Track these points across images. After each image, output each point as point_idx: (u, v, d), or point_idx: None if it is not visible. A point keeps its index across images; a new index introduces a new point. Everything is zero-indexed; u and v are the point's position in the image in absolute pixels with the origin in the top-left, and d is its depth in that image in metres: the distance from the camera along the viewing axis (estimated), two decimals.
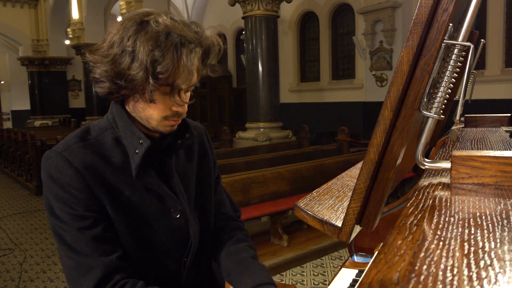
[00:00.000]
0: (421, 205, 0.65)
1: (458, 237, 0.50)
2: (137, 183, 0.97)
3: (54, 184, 0.91)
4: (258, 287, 1.00)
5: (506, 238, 0.49)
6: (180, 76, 0.89)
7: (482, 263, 0.42)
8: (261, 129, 6.20)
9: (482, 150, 1.10)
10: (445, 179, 0.81)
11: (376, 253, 1.17)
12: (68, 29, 12.53)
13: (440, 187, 0.76)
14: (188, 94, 0.97)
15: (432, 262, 0.43)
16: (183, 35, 0.87)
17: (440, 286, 0.38)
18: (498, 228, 0.52)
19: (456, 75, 0.66)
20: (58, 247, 0.95)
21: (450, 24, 0.59)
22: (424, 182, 0.82)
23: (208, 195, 1.16)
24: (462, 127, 1.85)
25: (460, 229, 0.53)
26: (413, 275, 0.41)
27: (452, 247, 0.47)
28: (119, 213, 0.95)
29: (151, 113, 0.94)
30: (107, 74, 0.89)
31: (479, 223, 0.54)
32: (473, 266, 0.41)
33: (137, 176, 0.95)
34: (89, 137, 0.97)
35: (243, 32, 6.88)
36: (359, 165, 1.21)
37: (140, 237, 0.99)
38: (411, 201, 0.68)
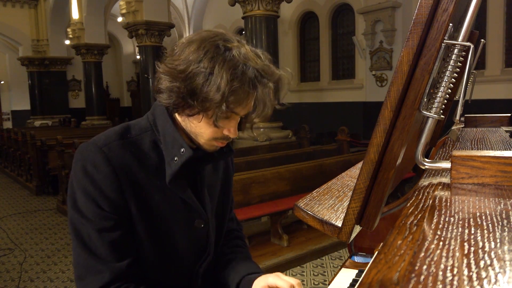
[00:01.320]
0: (421, 205, 0.65)
1: (458, 237, 0.50)
2: (168, 189, 0.96)
3: (86, 178, 0.90)
4: (248, 275, 1.05)
5: (506, 238, 0.49)
6: (251, 108, 0.91)
7: (482, 263, 0.42)
8: (261, 129, 6.20)
9: (482, 150, 1.10)
10: (445, 179, 0.81)
11: (376, 253, 1.17)
12: (68, 29, 12.51)
13: (440, 187, 0.76)
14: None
15: (432, 262, 0.43)
16: (259, 68, 0.88)
17: (440, 286, 0.38)
18: (498, 228, 0.52)
19: (456, 75, 0.66)
20: (73, 241, 0.94)
21: (450, 24, 0.59)
22: (424, 182, 0.82)
23: (226, 207, 1.17)
24: (462, 127, 1.85)
25: (460, 229, 0.53)
26: (413, 275, 0.41)
27: (452, 247, 0.47)
28: (144, 216, 0.95)
29: (204, 131, 0.93)
30: (179, 90, 0.88)
31: (479, 223, 0.54)
32: (473, 266, 0.41)
33: (170, 183, 0.94)
34: (129, 136, 0.96)
35: (243, 32, 6.87)
36: (359, 165, 1.21)
37: (160, 242, 0.99)
38: (411, 201, 0.68)
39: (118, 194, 0.91)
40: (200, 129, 0.93)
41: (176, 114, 0.96)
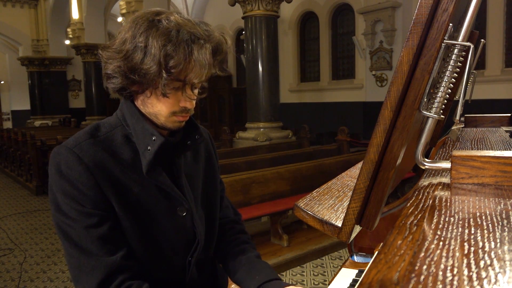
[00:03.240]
0: (421, 205, 0.65)
1: (458, 237, 0.50)
2: (146, 180, 0.97)
3: (62, 180, 0.91)
4: (267, 283, 1.03)
5: (506, 238, 0.49)
6: (192, 70, 0.90)
7: (482, 263, 0.42)
8: (261, 129, 6.19)
9: (482, 150, 1.10)
10: (445, 179, 0.81)
11: (376, 253, 1.17)
12: (68, 29, 12.53)
13: (440, 187, 0.76)
14: (196, 91, 0.98)
15: (432, 262, 0.43)
16: (193, 31, 0.89)
17: (440, 286, 0.38)
18: (498, 228, 0.52)
19: (456, 75, 0.66)
20: (63, 244, 0.95)
21: (450, 24, 0.59)
22: (424, 182, 0.82)
23: (213, 197, 1.17)
24: (462, 127, 1.85)
25: (460, 229, 0.53)
26: (413, 275, 0.41)
27: (452, 247, 0.47)
28: (127, 211, 0.95)
29: (160, 108, 0.95)
30: (120, 69, 0.91)
31: (479, 223, 0.54)
32: (473, 266, 0.41)
33: (147, 173, 0.95)
34: (99, 134, 0.97)
35: (243, 32, 6.87)
36: (359, 165, 1.21)
37: (147, 235, 0.99)
38: (411, 201, 0.68)
39: (96, 190, 0.92)
40: (156, 107, 0.95)
41: (136, 103, 0.98)
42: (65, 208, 0.92)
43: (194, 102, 0.98)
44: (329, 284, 1.17)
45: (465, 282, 0.38)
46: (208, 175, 1.16)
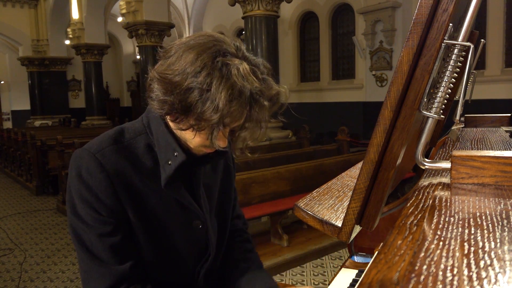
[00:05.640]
0: (421, 205, 0.65)
1: (458, 237, 0.50)
2: (164, 192, 0.96)
3: (81, 184, 0.90)
4: None
5: (506, 238, 0.49)
6: (246, 125, 0.88)
7: (482, 263, 0.42)
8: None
9: (482, 150, 1.10)
10: (445, 179, 0.81)
11: (376, 253, 1.17)
12: (68, 29, 12.51)
13: (440, 187, 0.76)
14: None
15: (432, 262, 0.43)
16: (259, 89, 0.84)
17: (440, 286, 0.38)
18: (498, 228, 0.52)
19: (456, 75, 0.66)
20: (75, 246, 0.95)
21: (450, 24, 0.59)
22: (424, 182, 0.82)
23: (227, 207, 1.17)
24: (462, 127, 1.85)
25: (460, 229, 0.53)
26: (413, 275, 0.41)
27: (452, 247, 0.47)
28: (142, 220, 0.95)
29: (194, 139, 0.91)
30: (172, 104, 0.84)
31: (479, 223, 0.54)
32: (473, 266, 0.41)
33: (165, 186, 0.94)
34: (123, 140, 0.95)
35: (243, 32, 6.87)
36: (359, 165, 1.21)
37: (159, 245, 0.99)
38: (411, 201, 0.68)
39: (114, 199, 0.91)
40: (189, 135, 0.91)
41: (166, 118, 0.94)
42: (81, 213, 0.91)
43: (226, 141, 0.92)
44: (329, 284, 1.17)
45: (465, 282, 0.38)
46: (225, 185, 1.15)
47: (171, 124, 0.93)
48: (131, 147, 0.95)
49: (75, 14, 11.03)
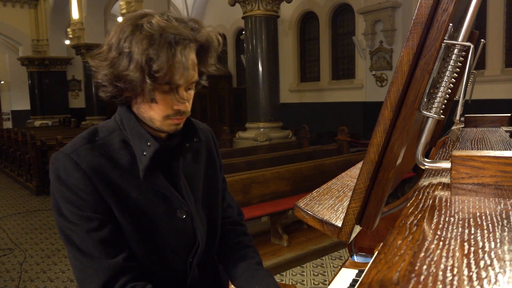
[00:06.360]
0: (421, 205, 0.65)
1: (458, 237, 0.50)
2: (144, 184, 0.97)
3: (62, 186, 0.92)
4: None
5: (506, 238, 0.49)
6: (176, 72, 0.88)
7: (482, 263, 0.42)
8: (261, 129, 6.20)
9: (482, 150, 1.10)
10: (445, 179, 0.81)
11: (376, 253, 1.17)
12: (68, 29, 12.52)
13: (440, 187, 0.76)
14: (191, 92, 0.97)
15: (432, 262, 0.43)
16: (177, 32, 0.87)
17: (440, 286, 0.38)
18: (498, 228, 0.52)
19: (456, 75, 0.66)
20: (66, 247, 0.96)
21: (450, 24, 0.59)
22: (424, 182, 0.82)
23: (215, 197, 1.17)
24: (462, 127, 1.85)
25: (460, 229, 0.53)
26: (413, 275, 0.41)
27: (452, 247, 0.47)
28: (126, 215, 0.96)
29: (153, 113, 0.94)
30: (107, 77, 0.90)
31: (479, 223, 0.54)
32: (473, 266, 0.41)
33: (144, 178, 0.95)
34: (97, 139, 0.97)
35: (243, 32, 6.87)
36: (359, 165, 1.21)
37: (147, 238, 0.99)
38: (411, 201, 0.68)
39: (95, 195, 0.92)
40: (149, 112, 0.94)
41: (132, 108, 0.98)
42: (66, 213, 0.93)
43: (188, 104, 0.95)
44: (329, 284, 1.17)
45: (465, 282, 0.38)
46: (209, 175, 1.15)
47: (136, 114, 0.97)
48: (106, 145, 0.96)
49: (75, 14, 11.04)
